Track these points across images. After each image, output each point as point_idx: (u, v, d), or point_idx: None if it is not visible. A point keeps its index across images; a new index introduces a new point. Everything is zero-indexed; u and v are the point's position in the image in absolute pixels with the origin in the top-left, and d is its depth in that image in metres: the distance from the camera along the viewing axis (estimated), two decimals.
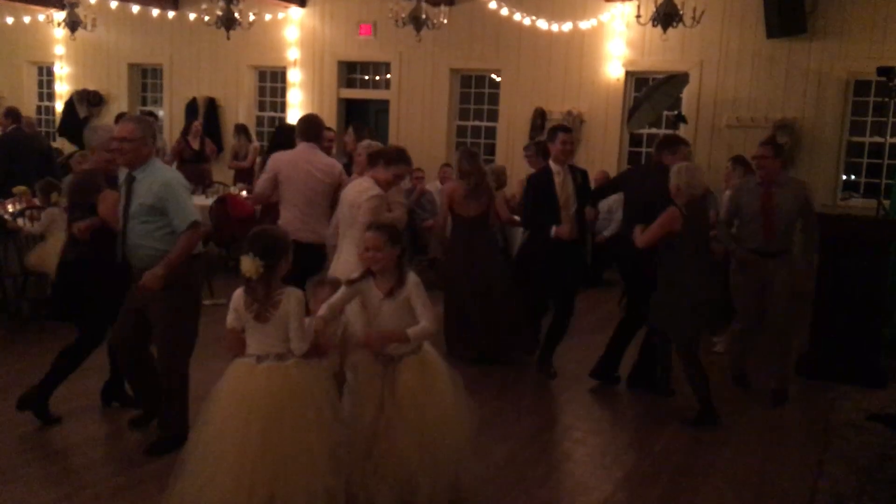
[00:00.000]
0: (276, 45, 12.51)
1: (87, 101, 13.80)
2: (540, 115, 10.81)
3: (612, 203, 9.51)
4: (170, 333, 4.34)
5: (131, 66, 13.85)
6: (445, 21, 10.25)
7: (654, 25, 8.75)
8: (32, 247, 6.64)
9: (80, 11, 11.66)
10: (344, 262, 4.74)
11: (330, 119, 11.25)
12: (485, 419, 5.01)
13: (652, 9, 8.75)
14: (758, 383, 5.99)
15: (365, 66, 12.41)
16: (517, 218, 7.48)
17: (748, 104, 9.82)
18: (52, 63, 14.41)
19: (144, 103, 14.09)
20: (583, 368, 6.25)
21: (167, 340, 4.36)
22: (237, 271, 3.58)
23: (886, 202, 7.45)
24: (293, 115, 12.42)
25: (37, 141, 9.35)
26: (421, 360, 3.75)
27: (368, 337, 3.69)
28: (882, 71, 7.38)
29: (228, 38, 11.07)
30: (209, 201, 8.76)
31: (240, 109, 12.96)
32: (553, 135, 5.97)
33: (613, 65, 10.48)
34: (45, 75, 14.89)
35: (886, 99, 7.66)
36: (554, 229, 5.79)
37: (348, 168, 6.53)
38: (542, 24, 10.68)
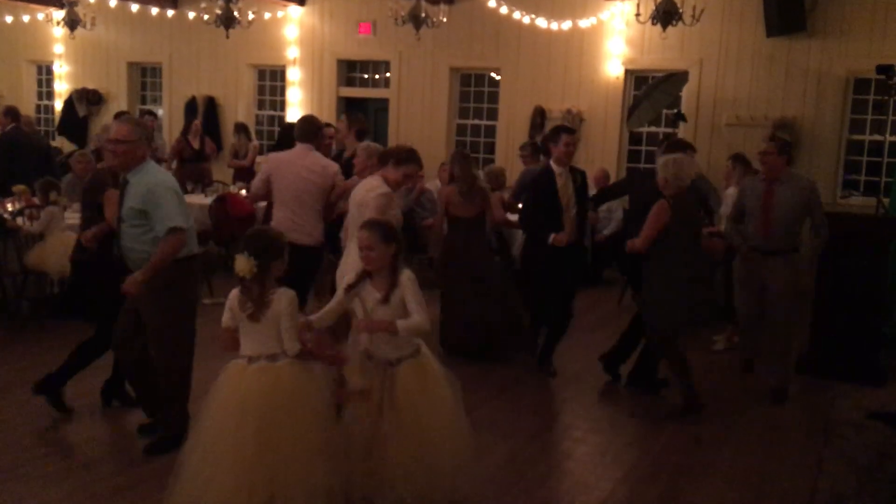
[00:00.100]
0: (276, 44, 12.50)
1: (86, 100, 13.80)
2: (539, 114, 10.81)
3: (612, 203, 9.51)
4: (164, 334, 4.33)
5: (130, 65, 13.85)
6: (445, 20, 10.25)
7: (653, 24, 8.74)
8: (32, 246, 6.64)
9: (79, 10, 11.65)
10: (351, 263, 4.72)
11: (330, 118, 11.22)
12: (485, 418, 5.03)
13: (651, 7, 8.73)
14: (758, 382, 5.99)
15: (364, 65, 12.40)
16: (513, 218, 7.48)
17: (748, 103, 9.82)
18: (52, 62, 14.40)
19: (144, 102, 14.08)
20: (583, 367, 6.26)
21: (162, 341, 4.35)
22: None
23: (886, 200, 7.45)
24: (292, 114, 12.42)
25: (36, 140, 9.35)
26: (419, 364, 3.72)
27: (359, 324, 3.67)
28: (881, 69, 7.37)
29: (228, 37, 11.07)
30: (209, 200, 8.76)
31: (239, 108, 12.96)
32: (556, 136, 5.92)
33: (613, 63, 10.47)
34: (45, 74, 14.89)
35: (886, 97, 7.65)
36: (552, 237, 5.77)
37: (339, 158, 6.53)
38: (541, 22, 10.67)
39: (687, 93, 10.09)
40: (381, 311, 3.63)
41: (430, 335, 3.93)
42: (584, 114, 10.64)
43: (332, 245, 5.82)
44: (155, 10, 12.78)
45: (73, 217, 7.13)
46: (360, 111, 12.26)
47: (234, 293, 3.53)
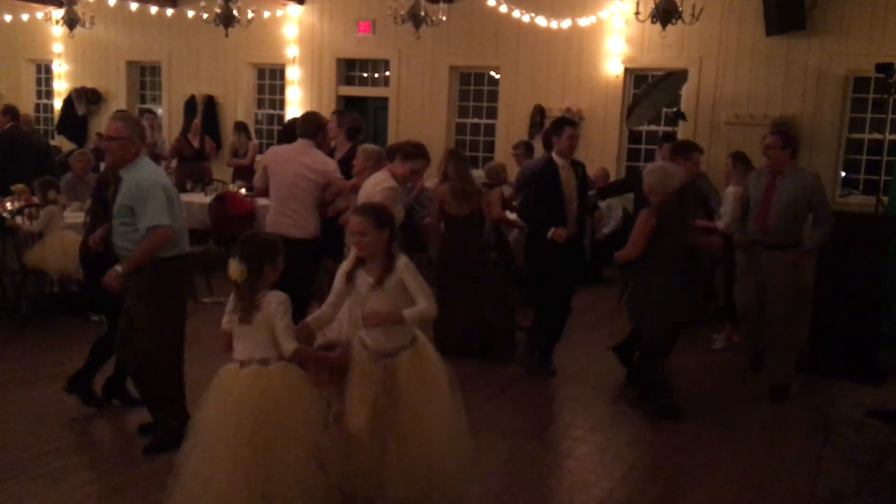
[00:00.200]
0: (275, 43, 12.50)
1: (85, 99, 13.79)
2: (539, 113, 10.81)
3: (612, 201, 9.53)
4: (151, 335, 4.32)
5: (130, 64, 13.84)
6: (444, 18, 10.25)
7: (653, 22, 8.74)
8: (31, 245, 6.64)
9: (78, 9, 11.64)
10: None
11: (329, 117, 11.22)
12: (485, 417, 5.03)
13: (651, 6, 8.74)
14: (758, 381, 5.99)
15: (364, 64, 12.40)
16: (511, 216, 7.49)
17: (747, 101, 9.82)
18: (51, 61, 14.40)
19: (143, 101, 14.08)
20: (582, 367, 6.27)
21: (150, 342, 4.33)
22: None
23: (885, 199, 7.45)
24: (292, 113, 12.41)
25: (35, 139, 9.34)
26: (418, 354, 3.64)
27: (367, 317, 3.55)
28: (881, 67, 7.36)
29: (227, 36, 11.08)
30: (208, 199, 8.75)
31: (238, 107, 12.95)
32: (559, 128, 5.85)
33: (612, 62, 10.47)
34: (44, 73, 14.88)
35: (885, 95, 7.65)
36: (551, 231, 5.73)
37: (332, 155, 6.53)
38: (540, 21, 10.67)
39: (686, 91, 10.09)
40: (375, 296, 3.55)
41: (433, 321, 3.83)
42: (584, 112, 10.64)
43: (330, 247, 5.80)
44: (154, 9, 12.77)
45: (72, 216, 7.14)
46: (360, 110, 12.29)
47: (233, 296, 3.54)
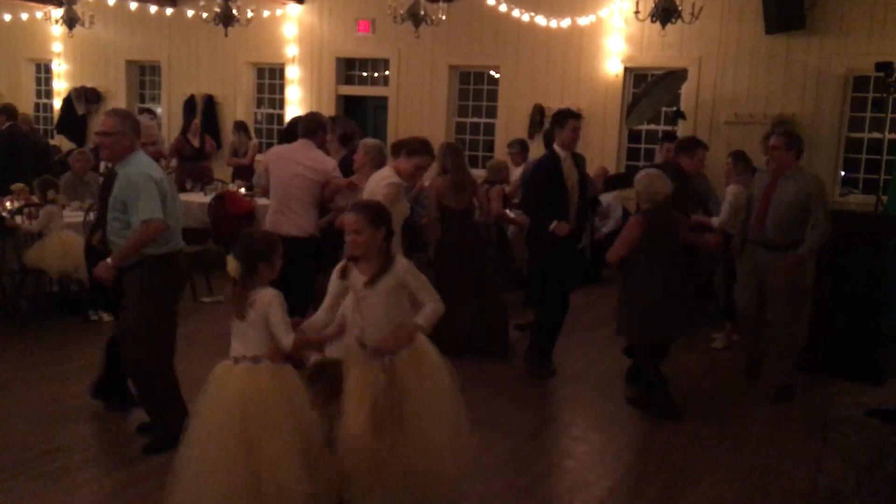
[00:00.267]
0: (275, 42, 12.49)
1: (85, 99, 13.79)
2: (539, 112, 10.80)
3: (611, 200, 9.53)
4: (142, 331, 4.31)
5: (129, 63, 13.84)
6: (444, 17, 10.24)
7: (652, 21, 8.74)
8: (30, 244, 6.64)
9: (77, 8, 11.64)
10: None
11: (339, 115, 11.23)
12: (484, 416, 5.03)
13: (650, 5, 8.74)
14: (758, 381, 5.99)
15: (363, 63, 12.40)
16: (510, 213, 7.50)
17: (747, 100, 9.82)
18: (50, 60, 14.39)
19: (143, 100, 14.07)
20: (582, 366, 6.26)
21: (139, 337, 4.32)
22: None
23: (885, 198, 7.45)
24: (292, 113, 12.42)
25: (34, 138, 9.34)
26: (416, 353, 3.56)
27: (384, 342, 3.47)
28: (880, 66, 7.37)
29: (226, 35, 11.08)
30: (208, 199, 8.75)
31: (238, 106, 12.95)
32: (563, 120, 5.81)
33: (612, 61, 10.47)
34: (43, 72, 14.88)
35: (885, 94, 7.65)
36: (554, 224, 5.70)
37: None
38: (540, 20, 10.67)
39: (686, 90, 10.09)
40: (372, 295, 3.48)
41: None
42: (584, 112, 10.54)
43: (330, 254, 5.77)
44: (154, 9, 12.77)
45: (71, 216, 7.14)
46: (360, 109, 12.31)
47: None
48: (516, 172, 8.41)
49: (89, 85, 13.86)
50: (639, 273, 5.26)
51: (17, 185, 7.33)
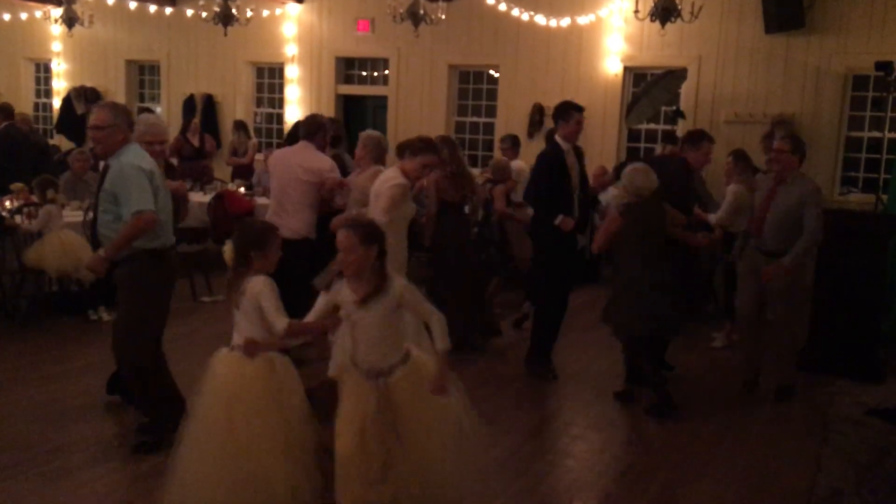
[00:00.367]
0: (274, 42, 12.49)
1: (84, 98, 13.77)
2: (538, 111, 10.80)
3: (610, 198, 9.52)
4: (131, 328, 4.30)
5: (129, 63, 13.83)
6: (443, 17, 10.24)
7: (652, 21, 8.73)
8: (30, 244, 6.63)
9: (77, 8, 11.64)
10: None
11: (328, 116, 11.22)
12: (484, 415, 5.01)
13: (650, 4, 8.73)
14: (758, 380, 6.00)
15: (363, 62, 12.39)
16: (513, 212, 7.51)
17: (746, 99, 9.81)
18: (50, 60, 14.38)
19: (142, 100, 14.06)
20: (582, 365, 6.26)
21: (131, 335, 4.31)
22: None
23: (885, 197, 7.45)
24: (291, 112, 12.43)
25: (34, 137, 9.33)
26: (413, 371, 3.40)
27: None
28: (880, 65, 7.36)
29: (226, 35, 11.08)
30: (207, 198, 8.75)
31: (237, 106, 12.94)
32: (567, 112, 5.77)
33: (611, 60, 10.46)
34: (43, 72, 14.87)
35: (885, 94, 7.65)
36: (559, 219, 5.67)
37: None
38: (540, 19, 10.66)
39: (686, 90, 10.08)
40: (364, 316, 3.33)
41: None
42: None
43: (325, 251, 5.79)
44: (153, 8, 12.77)
45: (71, 215, 7.14)
46: (359, 109, 12.32)
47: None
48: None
49: (89, 84, 13.85)
50: (627, 268, 5.29)
51: (17, 185, 7.33)
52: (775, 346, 5.81)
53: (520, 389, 5.80)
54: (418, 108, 11.70)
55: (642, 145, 10.70)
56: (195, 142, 10.91)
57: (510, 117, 11.11)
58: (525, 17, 10.72)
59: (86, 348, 5.99)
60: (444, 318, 3.45)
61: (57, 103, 14.25)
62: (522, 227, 7.52)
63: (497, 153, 11.06)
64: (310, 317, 3.46)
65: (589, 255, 8.99)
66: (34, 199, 6.98)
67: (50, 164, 8.71)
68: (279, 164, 5.90)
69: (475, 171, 10.83)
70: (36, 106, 14.95)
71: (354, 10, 11.86)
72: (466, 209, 6.79)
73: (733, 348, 6.79)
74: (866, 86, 9.39)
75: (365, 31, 11.86)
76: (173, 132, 11.89)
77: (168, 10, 12.84)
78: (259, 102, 13.21)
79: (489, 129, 11.58)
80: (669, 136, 9.31)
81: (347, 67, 12.46)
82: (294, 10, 12.30)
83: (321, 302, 3.44)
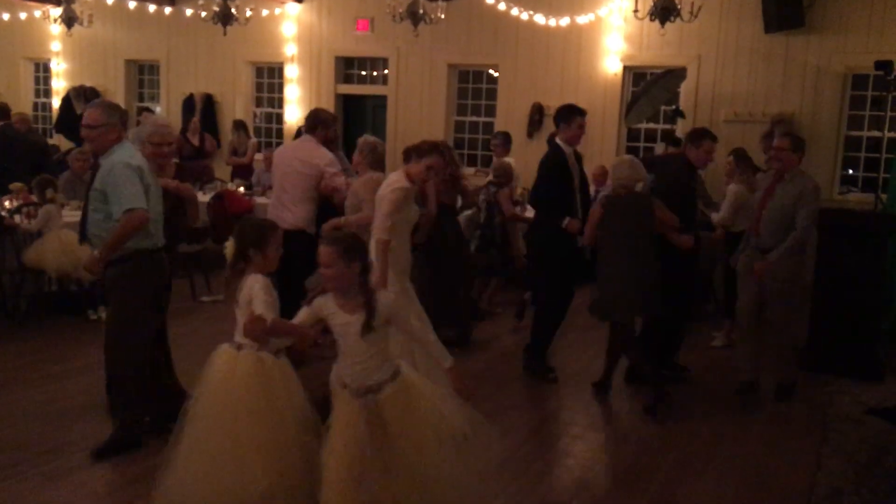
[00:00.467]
0: (273, 41, 12.48)
1: (84, 98, 13.73)
2: (538, 111, 10.80)
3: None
4: (119, 329, 4.29)
5: (128, 63, 13.82)
6: (443, 16, 10.23)
7: (651, 20, 8.73)
8: (29, 243, 6.63)
9: (76, 7, 11.63)
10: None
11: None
12: (483, 414, 5.02)
13: (650, 3, 8.73)
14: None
15: (362, 62, 12.39)
16: (521, 213, 7.56)
17: (746, 99, 9.81)
18: (49, 59, 14.37)
19: (141, 99, 14.06)
20: (581, 365, 6.26)
21: (113, 335, 4.30)
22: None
23: (884, 196, 7.45)
24: (291, 112, 12.43)
25: (33, 137, 9.32)
26: (403, 387, 3.29)
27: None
28: (880, 65, 7.36)
29: (225, 34, 11.07)
30: (207, 198, 8.75)
31: (237, 105, 12.94)
32: (570, 116, 5.81)
33: (611, 60, 10.46)
34: (42, 72, 14.86)
35: (884, 93, 7.64)
36: (567, 221, 5.67)
37: None
38: (539, 18, 10.66)
39: (685, 89, 10.09)
40: (356, 336, 3.24)
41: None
42: None
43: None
44: (152, 8, 12.76)
45: (70, 215, 7.13)
46: (358, 108, 12.31)
47: None
48: None
49: (88, 84, 13.81)
50: (607, 259, 5.39)
51: (16, 185, 7.33)
52: (775, 345, 5.80)
53: (520, 389, 5.80)
54: (418, 107, 11.70)
55: (642, 144, 10.70)
56: (195, 141, 10.91)
57: (509, 117, 11.11)
58: (524, 16, 10.72)
59: (86, 348, 5.99)
60: (429, 325, 3.46)
61: (56, 103, 14.22)
62: (518, 227, 7.63)
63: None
64: (297, 318, 3.44)
65: (589, 254, 9.01)
66: (34, 198, 6.98)
67: (49, 164, 8.70)
68: (280, 158, 6.10)
69: (474, 171, 10.90)
70: (35, 106, 14.94)
71: (354, 10, 11.86)
72: (459, 204, 7.02)
73: (733, 347, 6.79)
74: (866, 85, 9.39)
75: (364, 31, 11.86)
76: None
77: (167, 10, 12.83)
78: (258, 102, 13.20)
79: (489, 128, 11.56)
80: (672, 138, 9.29)
81: (347, 67, 12.45)
82: (293, 9, 12.30)
83: (303, 314, 3.36)
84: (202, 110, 12.87)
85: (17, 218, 6.78)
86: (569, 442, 4.91)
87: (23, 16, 13.80)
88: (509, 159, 8.58)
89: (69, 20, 11.47)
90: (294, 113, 12.35)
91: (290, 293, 3.75)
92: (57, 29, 12.96)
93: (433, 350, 3.43)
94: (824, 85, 9.45)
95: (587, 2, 10.47)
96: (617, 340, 5.57)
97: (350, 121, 12.06)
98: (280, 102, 12.83)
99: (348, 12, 11.92)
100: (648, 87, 9.82)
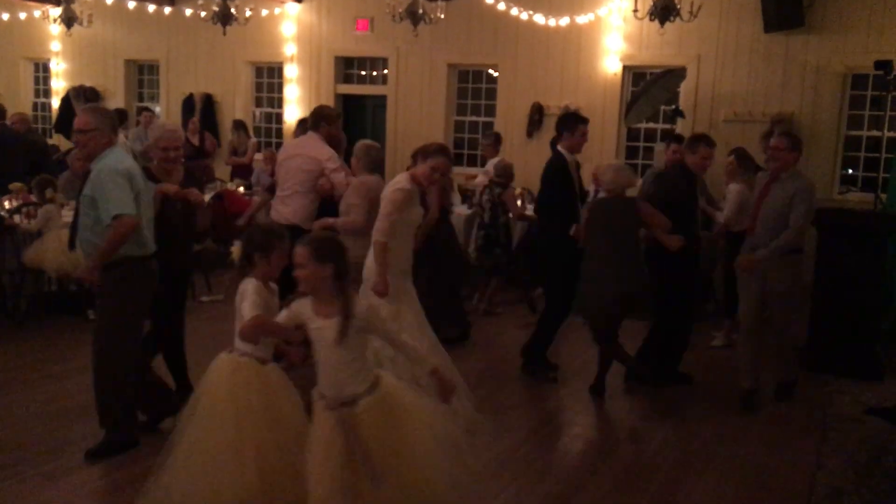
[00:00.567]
0: (273, 41, 12.48)
1: (83, 98, 13.75)
2: (537, 111, 10.79)
3: None
4: (110, 335, 4.27)
5: (128, 62, 13.81)
6: (442, 16, 10.23)
7: (651, 20, 8.73)
8: (29, 243, 6.63)
9: (76, 7, 11.62)
10: (369, 266, 4.87)
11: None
12: (483, 415, 5.03)
13: (649, 3, 8.73)
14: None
15: (362, 62, 12.38)
16: (529, 213, 7.61)
17: (746, 98, 9.81)
18: (49, 59, 14.36)
19: (141, 99, 14.05)
20: (581, 364, 6.26)
21: (104, 344, 4.28)
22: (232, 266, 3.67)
23: (884, 196, 7.46)
24: (290, 111, 12.42)
25: (32, 137, 9.31)
26: (383, 400, 3.19)
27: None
28: (880, 64, 7.36)
29: (225, 34, 11.06)
30: (207, 197, 8.74)
31: (237, 105, 12.93)
32: (573, 124, 5.87)
33: (611, 59, 10.46)
34: (42, 72, 14.85)
35: (884, 93, 7.65)
36: (574, 229, 5.68)
37: None
38: (539, 18, 10.66)
39: (685, 89, 10.08)
40: (324, 337, 3.16)
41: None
42: (582, 110, 10.58)
43: None
44: (152, 8, 12.75)
45: (70, 215, 7.12)
46: (358, 108, 12.30)
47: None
48: (490, 165, 8.50)
49: (88, 84, 13.82)
50: (588, 257, 5.48)
51: (16, 185, 7.33)
52: (776, 345, 5.79)
53: (520, 389, 5.80)
54: (417, 107, 11.70)
55: (641, 144, 10.70)
56: (195, 141, 10.91)
57: (509, 117, 11.11)
58: (524, 16, 10.71)
59: (86, 348, 5.90)
60: (417, 346, 3.47)
61: (56, 103, 14.22)
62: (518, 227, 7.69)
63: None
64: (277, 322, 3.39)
65: None
66: (33, 198, 6.98)
67: (49, 164, 8.70)
68: (284, 154, 6.17)
69: (472, 171, 10.89)
70: (35, 106, 14.93)
71: (353, 10, 11.85)
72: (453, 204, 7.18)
73: (733, 347, 6.79)
74: (865, 85, 9.39)
75: (364, 31, 11.85)
76: None
77: (167, 10, 12.82)
78: (258, 102, 13.20)
79: (488, 128, 11.52)
80: (673, 135, 9.27)
81: (346, 67, 12.45)
82: (293, 9, 12.29)
83: (282, 316, 3.29)
84: (202, 110, 12.87)
85: (16, 218, 6.79)
86: (569, 441, 4.91)
87: (22, 16, 13.79)
88: (497, 159, 8.59)
89: (69, 20, 11.46)
90: (294, 113, 12.34)
91: (290, 292, 3.75)
92: (56, 29, 12.95)
93: (411, 355, 3.38)
94: (824, 85, 9.45)
95: (587, 2, 10.46)
96: (597, 340, 5.62)
97: (350, 121, 12.05)
98: (280, 102, 12.83)
99: (348, 12, 11.91)
100: (648, 86, 9.81)
